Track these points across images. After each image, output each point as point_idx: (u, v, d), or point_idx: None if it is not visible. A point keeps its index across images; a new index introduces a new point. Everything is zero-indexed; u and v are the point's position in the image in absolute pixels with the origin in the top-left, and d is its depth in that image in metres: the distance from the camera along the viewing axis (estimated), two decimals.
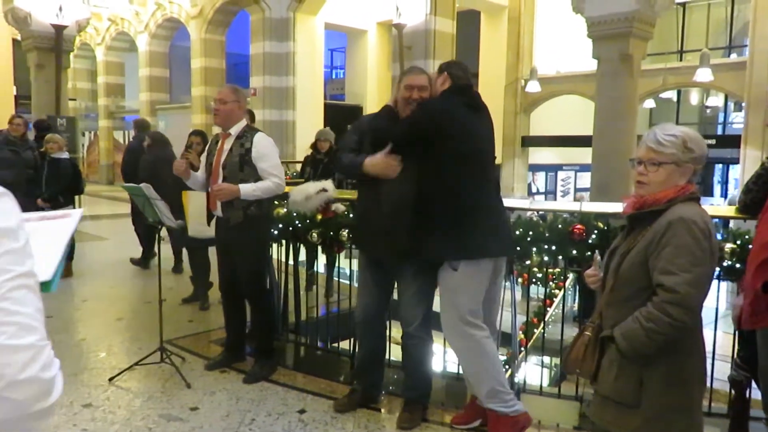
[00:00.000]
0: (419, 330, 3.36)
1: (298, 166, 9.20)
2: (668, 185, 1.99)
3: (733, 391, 3.23)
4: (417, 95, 3.17)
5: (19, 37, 12.57)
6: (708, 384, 3.31)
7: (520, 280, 6.42)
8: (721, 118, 18.04)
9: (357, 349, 3.65)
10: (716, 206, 8.96)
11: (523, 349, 5.88)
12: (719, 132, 17.46)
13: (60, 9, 11.06)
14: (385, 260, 3.38)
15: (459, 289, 3.08)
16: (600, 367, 2.08)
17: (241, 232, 3.93)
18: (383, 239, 3.25)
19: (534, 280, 7.40)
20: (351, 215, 4.06)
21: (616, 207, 3.75)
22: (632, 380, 1.97)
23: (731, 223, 3.48)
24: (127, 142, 21.54)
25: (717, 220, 3.74)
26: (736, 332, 3.25)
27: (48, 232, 1.27)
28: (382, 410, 3.63)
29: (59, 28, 11.18)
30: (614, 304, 2.06)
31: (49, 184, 6.52)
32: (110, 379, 3.94)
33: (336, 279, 5.67)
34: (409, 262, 3.27)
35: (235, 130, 3.95)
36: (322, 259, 5.97)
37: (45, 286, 1.16)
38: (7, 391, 0.92)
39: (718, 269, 3.07)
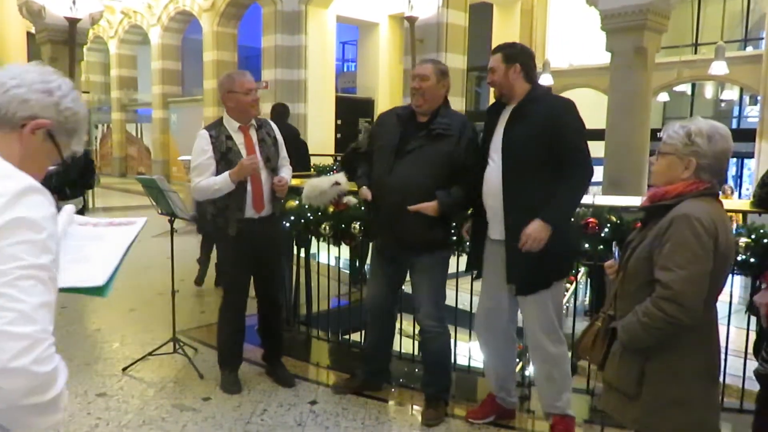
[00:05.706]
0: (435, 325, 3.35)
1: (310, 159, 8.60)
2: (671, 176, 1.99)
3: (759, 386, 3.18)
4: (417, 84, 3.18)
5: (33, 30, 12.65)
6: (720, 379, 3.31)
7: None
8: (736, 112, 17.82)
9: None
10: (731, 200, 8.87)
11: None
12: (734, 126, 17.22)
13: (74, 2, 11.08)
14: (396, 253, 3.38)
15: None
16: (608, 355, 2.13)
17: (278, 223, 3.91)
18: (392, 232, 3.26)
19: None
20: (363, 208, 4.06)
21: (629, 201, 3.74)
22: (634, 371, 2.00)
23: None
24: (139, 134, 21.69)
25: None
26: (749, 326, 3.22)
27: (112, 239, 1.30)
28: (392, 402, 3.65)
29: (73, 21, 11.21)
30: (624, 296, 2.09)
31: (58, 175, 6.54)
32: (124, 369, 3.98)
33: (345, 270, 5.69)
34: (420, 255, 3.27)
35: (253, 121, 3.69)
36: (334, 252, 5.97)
37: (99, 291, 1.17)
38: None
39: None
